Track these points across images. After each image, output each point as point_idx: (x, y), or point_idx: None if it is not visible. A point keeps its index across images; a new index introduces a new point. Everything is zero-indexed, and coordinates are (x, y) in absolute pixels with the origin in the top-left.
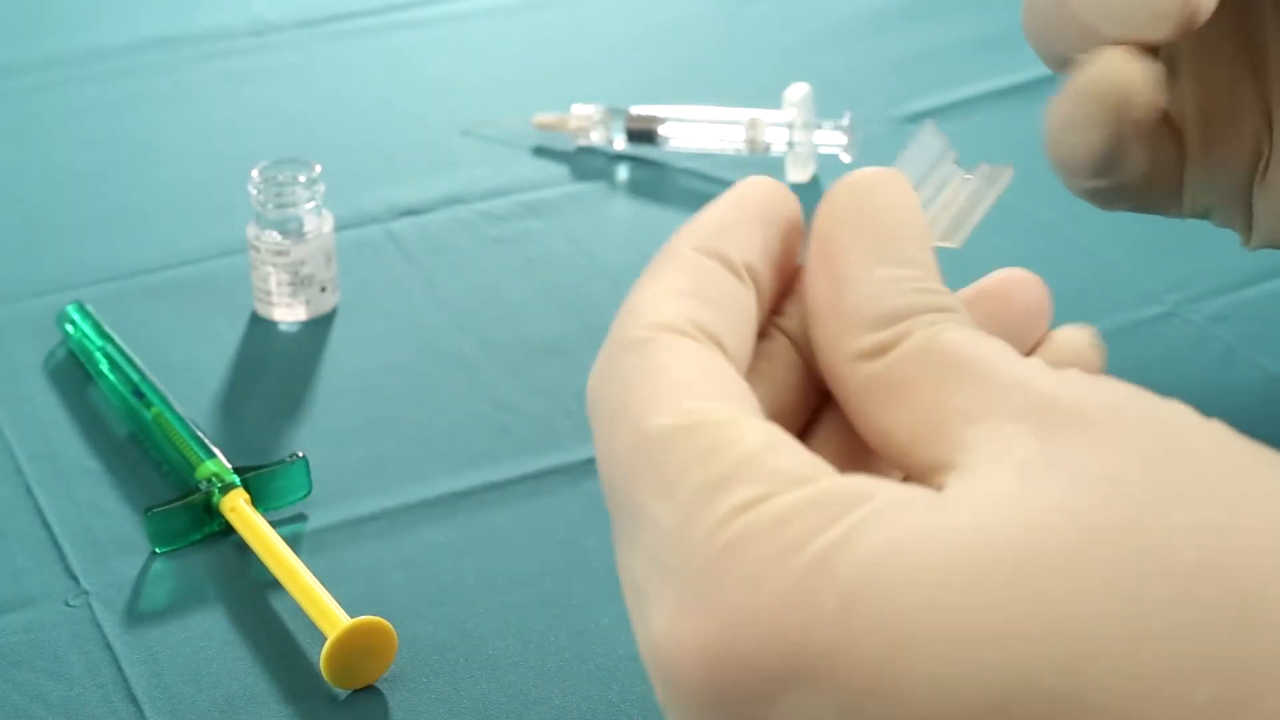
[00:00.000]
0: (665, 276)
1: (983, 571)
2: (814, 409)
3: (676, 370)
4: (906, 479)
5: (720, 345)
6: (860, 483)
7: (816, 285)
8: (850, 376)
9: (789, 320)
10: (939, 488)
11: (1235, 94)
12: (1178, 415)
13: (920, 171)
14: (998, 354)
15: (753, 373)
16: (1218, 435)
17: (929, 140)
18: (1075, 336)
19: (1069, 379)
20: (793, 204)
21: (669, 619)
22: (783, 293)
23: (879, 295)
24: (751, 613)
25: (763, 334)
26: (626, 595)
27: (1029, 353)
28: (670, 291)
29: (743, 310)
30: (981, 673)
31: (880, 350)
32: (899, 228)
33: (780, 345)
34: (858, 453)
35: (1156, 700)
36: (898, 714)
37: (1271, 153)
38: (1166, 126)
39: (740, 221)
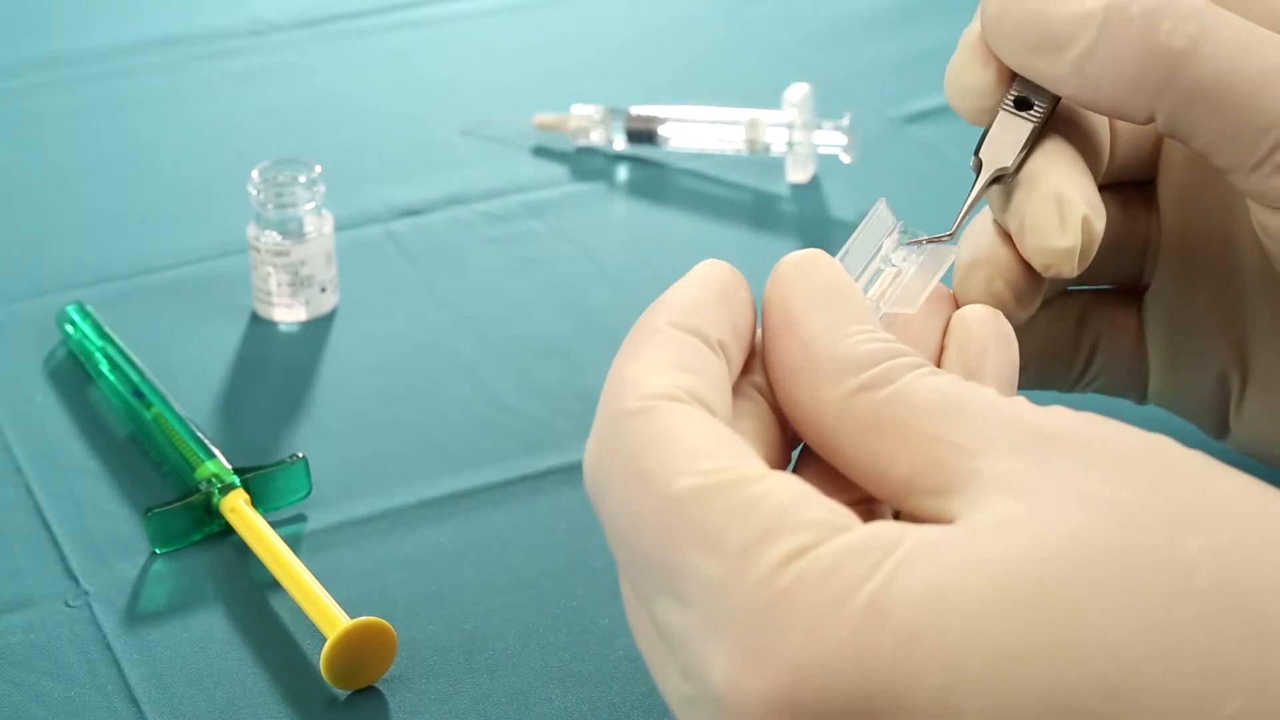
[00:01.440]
0: (650, 351)
1: (1021, 599)
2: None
3: (685, 434)
4: (897, 516)
5: (712, 413)
6: (888, 528)
7: (784, 349)
8: (839, 422)
9: (760, 379)
10: (947, 520)
11: (1206, 333)
12: (1165, 446)
13: (874, 241)
14: (985, 394)
15: (738, 433)
16: (1203, 463)
17: (883, 216)
18: (981, 316)
19: (1057, 413)
20: (746, 286)
21: (730, 668)
22: (745, 367)
23: (850, 345)
24: (815, 659)
25: (736, 395)
26: (649, 649)
27: (942, 336)
28: (659, 365)
29: (723, 381)
30: (1033, 699)
31: (867, 388)
32: (844, 294)
33: (759, 405)
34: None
35: (1191, 715)
36: None
37: (1246, 389)
38: (1134, 346)
39: (708, 301)
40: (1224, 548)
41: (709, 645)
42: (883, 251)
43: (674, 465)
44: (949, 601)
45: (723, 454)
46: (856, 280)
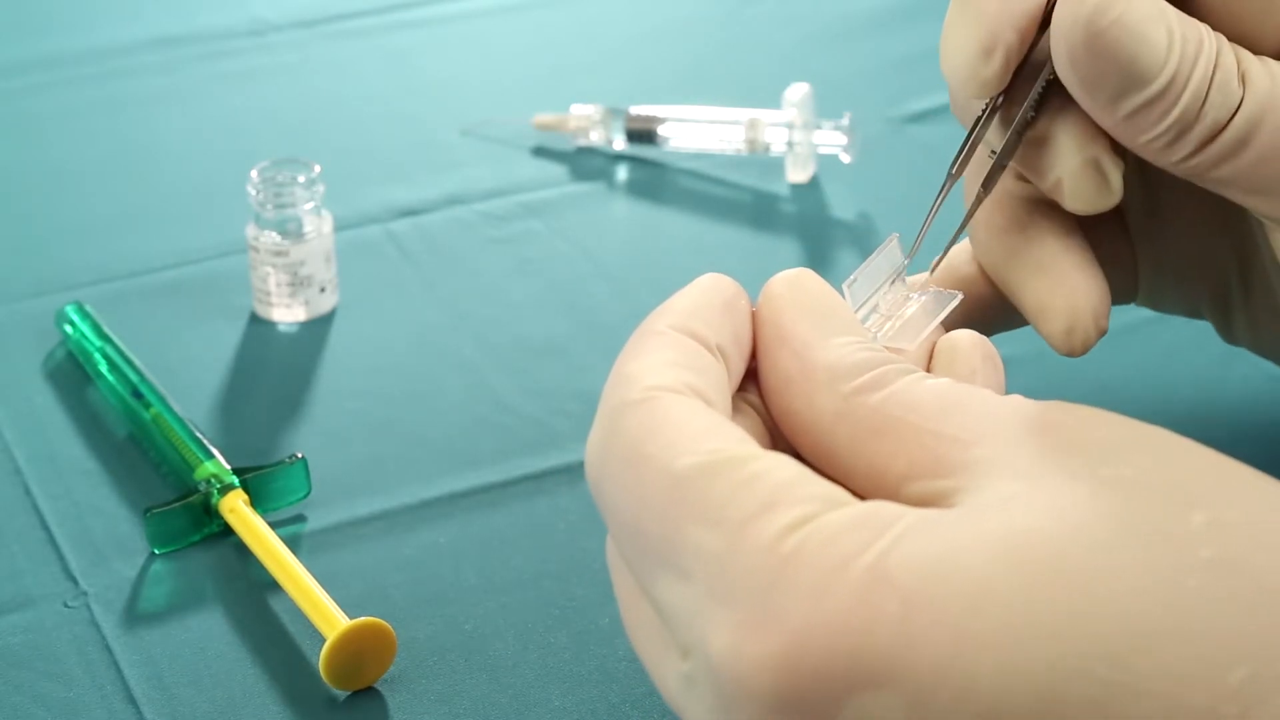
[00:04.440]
0: (651, 351)
1: (1025, 569)
2: None
3: (687, 420)
4: None
5: (712, 407)
6: (888, 505)
7: (778, 360)
8: (835, 427)
9: (755, 397)
10: (948, 507)
11: (1207, 245)
12: (1163, 433)
13: (881, 276)
14: (981, 392)
15: None
16: (1202, 448)
17: (893, 252)
18: (970, 339)
19: (1054, 406)
20: (747, 299)
21: (732, 636)
22: (743, 377)
23: (843, 354)
24: (818, 622)
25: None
26: (645, 641)
27: (929, 360)
28: (660, 362)
29: (722, 383)
30: (1040, 664)
31: (862, 392)
32: (834, 308)
33: (753, 420)
34: None
35: (1197, 683)
36: (964, 706)
37: (1250, 288)
38: (1127, 265)
39: (709, 308)
40: (1228, 523)
41: (711, 617)
42: (887, 288)
43: (675, 446)
44: (952, 570)
45: (724, 437)
46: (857, 312)
